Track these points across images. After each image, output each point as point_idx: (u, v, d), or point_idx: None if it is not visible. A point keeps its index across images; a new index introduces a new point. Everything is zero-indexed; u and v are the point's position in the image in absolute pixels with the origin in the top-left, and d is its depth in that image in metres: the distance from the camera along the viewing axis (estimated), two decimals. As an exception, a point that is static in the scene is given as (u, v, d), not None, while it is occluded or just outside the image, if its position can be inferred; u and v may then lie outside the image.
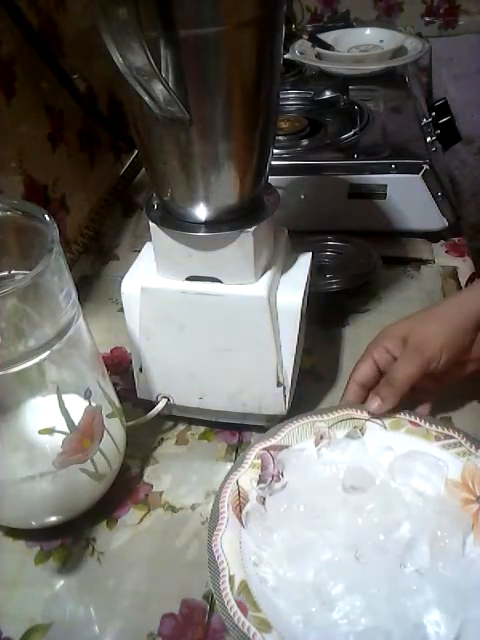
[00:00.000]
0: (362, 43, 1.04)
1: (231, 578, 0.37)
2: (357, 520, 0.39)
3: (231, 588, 0.36)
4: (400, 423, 0.46)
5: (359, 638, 0.34)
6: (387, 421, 0.46)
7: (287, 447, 0.44)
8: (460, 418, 0.50)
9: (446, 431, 0.44)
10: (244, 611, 0.35)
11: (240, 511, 0.41)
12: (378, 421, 0.46)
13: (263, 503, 0.41)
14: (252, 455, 0.44)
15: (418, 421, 0.45)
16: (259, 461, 0.43)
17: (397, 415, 0.46)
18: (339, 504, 0.41)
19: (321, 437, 0.45)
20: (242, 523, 0.40)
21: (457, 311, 0.47)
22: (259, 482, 0.42)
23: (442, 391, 0.49)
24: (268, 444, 0.44)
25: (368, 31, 1.06)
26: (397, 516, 0.40)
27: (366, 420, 0.46)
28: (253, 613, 0.35)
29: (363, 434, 0.45)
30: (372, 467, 0.43)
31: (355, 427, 0.46)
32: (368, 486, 0.41)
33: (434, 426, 0.45)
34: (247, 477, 0.42)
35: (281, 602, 0.37)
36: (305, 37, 1.03)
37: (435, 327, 0.46)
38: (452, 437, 0.44)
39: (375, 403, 0.46)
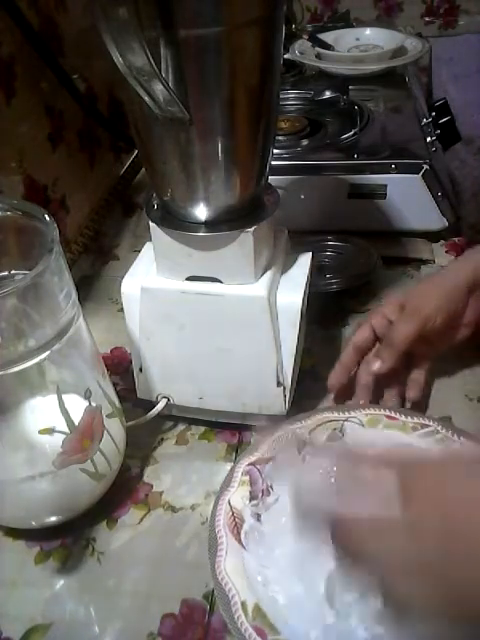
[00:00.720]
0: (362, 43, 1.04)
1: (243, 604, 0.35)
2: None
3: (245, 614, 0.35)
4: (377, 419, 0.46)
5: None
6: (364, 419, 0.46)
7: (272, 459, 0.44)
8: (460, 418, 0.50)
9: (422, 421, 0.45)
10: (263, 637, 0.34)
11: (238, 533, 0.40)
12: (356, 420, 0.46)
13: (259, 520, 0.41)
14: (239, 472, 0.43)
15: (394, 414, 0.46)
16: (247, 477, 0.42)
17: (373, 411, 0.46)
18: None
19: (303, 444, 0.44)
20: (242, 545, 0.39)
21: (451, 278, 0.50)
22: (251, 499, 0.41)
23: (436, 354, 0.52)
24: (253, 459, 0.44)
25: (368, 31, 1.06)
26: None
27: (344, 421, 0.46)
28: (272, 637, 0.34)
29: (343, 435, 0.45)
30: None
31: (334, 429, 0.46)
32: None
33: (410, 417, 0.46)
34: (238, 496, 0.41)
35: (296, 619, 0.35)
36: (305, 37, 1.03)
37: (431, 292, 0.50)
38: (428, 425, 0.45)
39: (376, 363, 0.49)
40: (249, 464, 0.43)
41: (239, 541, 0.39)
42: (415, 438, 0.44)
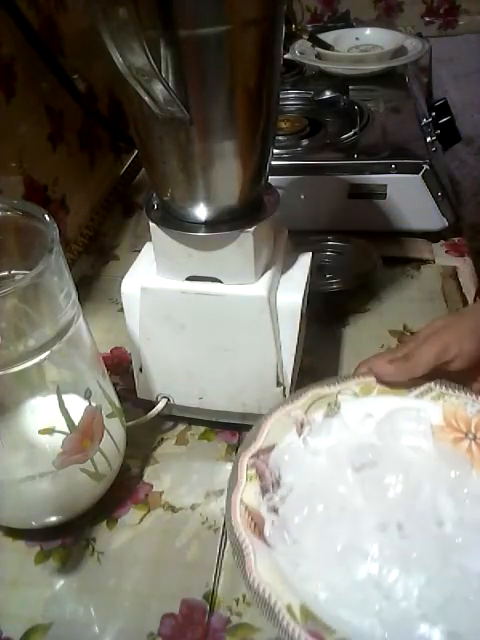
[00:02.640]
0: (362, 43, 1.04)
1: (289, 608, 0.32)
2: (385, 495, 0.37)
3: (293, 619, 0.31)
4: (370, 387, 0.44)
5: (439, 616, 0.32)
6: (357, 388, 0.44)
7: (274, 446, 0.41)
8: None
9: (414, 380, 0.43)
10: None
11: (260, 532, 0.36)
12: (348, 391, 0.44)
13: (278, 514, 0.37)
14: (244, 467, 0.40)
15: None
16: (254, 471, 0.40)
17: (363, 379, 0.44)
18: (355, 487, 0.38)
19: (301, 425, 0.42)
20: (268, 544, 0.35)
21: (469, 319, 0.46)
22: (263, 493, 0.38)
23: None
24: (254, 450, 0.41)
25: (368, 31, 1.06)
26: (415, 478, 0.38)
27: (337, 394, 0.44)
28: (330, 637, 0.30)
29: (339, 409, 0.43)
30: (362, 439, 0.41)
31: (329, 404, 0.43)
32: (378, 458, 0.39)
33: None
34: (250, 492, 0.38)
35: (345, 611, 0.32)
36: (305, 37, 1.03)
37: (452, 329, 0.45)
38: (422, 384, 0.43)
39: (386, 367, 0.43)
40: (252, 456, 0.40)
41: (264, 541, 0.36)
42: (411, 400, 0.42)
